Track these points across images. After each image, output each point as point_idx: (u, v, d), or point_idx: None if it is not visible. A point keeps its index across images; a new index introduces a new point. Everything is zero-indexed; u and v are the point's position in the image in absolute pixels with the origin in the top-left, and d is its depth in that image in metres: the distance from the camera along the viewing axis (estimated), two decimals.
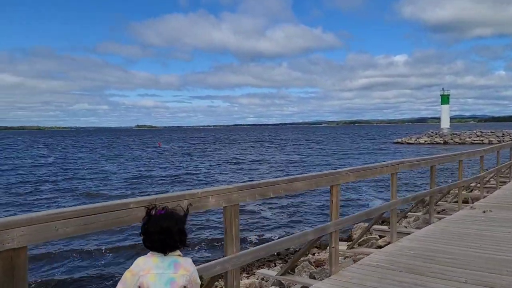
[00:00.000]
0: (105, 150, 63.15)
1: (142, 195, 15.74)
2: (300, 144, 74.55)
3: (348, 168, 5.14)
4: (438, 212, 10.39)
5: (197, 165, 36.29)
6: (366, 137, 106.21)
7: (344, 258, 6.54)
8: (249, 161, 39.89)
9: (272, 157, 44.53)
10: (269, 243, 3.94)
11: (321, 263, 7.18)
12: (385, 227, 7.72)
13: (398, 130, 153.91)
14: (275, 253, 8.86)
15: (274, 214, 16.11)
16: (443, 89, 76.95)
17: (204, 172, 30.70)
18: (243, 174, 29.49)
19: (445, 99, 75.25)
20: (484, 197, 10.16)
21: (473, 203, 10.97)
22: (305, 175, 4.49)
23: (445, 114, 74.95)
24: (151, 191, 21.66)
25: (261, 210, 16.61)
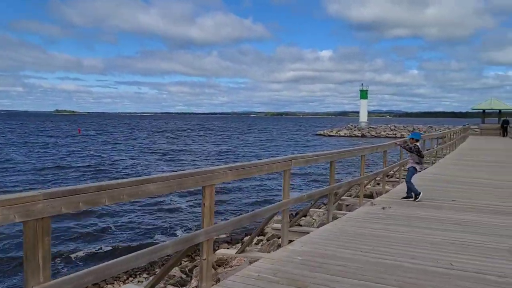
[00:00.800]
0: (13, 136, 57.36)
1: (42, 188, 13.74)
2: (230, 134, 74.02)
3: (226, 166, 4.40)
4: (347, 206, 10.26)
5: (119, 155, 34.01)
6: (292, 128, 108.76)
7: (225, 268, 5.85)
8: (175, 151, 38.32)
9: (200, 147, 43.34)
10: (100, 265, 3.03)
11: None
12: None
13: (323, 122, 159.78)
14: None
15: (137, 216, 13.70)
16: (362, 84, 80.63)
17: (124, 163, 28.72)
18: (167, 165, 28.09)
19: (363, 94, 79.01)
20: (387, 191, 10.14)
21: (377, 197, 10.98)
22: (163, 174, 3.64)
23: (364, 108, 78.76)
24: (57, 184, 19.59)
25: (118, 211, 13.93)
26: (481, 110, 45.36)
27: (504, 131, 35.44)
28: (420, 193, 8.76)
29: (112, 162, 28.73)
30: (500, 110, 43.32)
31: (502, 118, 40.08)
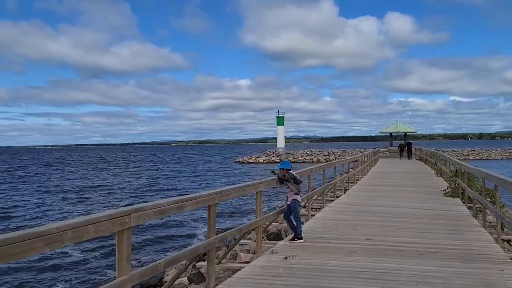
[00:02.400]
0: None
1: None
2: (149, 166, 69.51)
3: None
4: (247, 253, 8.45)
5: (19, 196, 28.99)
6: (214, 156, 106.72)
7: None
8: (87, 188, 33.74)
9: (113, 182, 39.15)
10: None
11: None
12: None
13: (243, 149, 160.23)
14: None
15: None
16: (278, 111, 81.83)
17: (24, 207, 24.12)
18: (74, 206, 24.15)
19: (280, 121, 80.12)
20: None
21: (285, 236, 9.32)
22: None
23: (281, 134, 79.73)
24: None
25: None
26: (389, 134, 47.56)
27: (408, 153, 37.01)
28: (301, 236, 7.39)
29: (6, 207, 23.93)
30: (405, 133, 45.67)
31: (403, 141, 42.15)
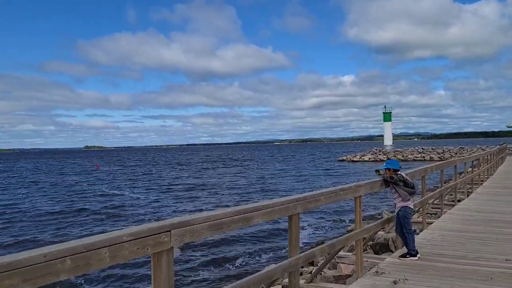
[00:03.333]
0: (30, 174, 56.53)
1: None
2: (253, 164, 70.99)
3: None
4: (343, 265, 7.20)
5: (137, 193, 31.40)
6: (318, 155, 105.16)
7: None
8: (193, 186, 35.30)
9: (221, 180, 40.49)
10: None
11: None
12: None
13: (348, 147, 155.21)
14: None
15: None
16: (385, 107, 77.42)
17: (138, 203, 25.98)
18: (188, 203, 25.29)
19: (387, 117, 75.57)
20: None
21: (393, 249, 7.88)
22: None
23: (388, 131, 75.18)
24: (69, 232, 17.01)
25: None
26: None
27: None
28: (415, 252, 5.91)
29: (122, 204, 25.82)
30: None
31: None
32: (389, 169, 6.01)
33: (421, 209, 8.16)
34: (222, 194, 28.93)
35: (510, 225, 7.96)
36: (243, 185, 35.07)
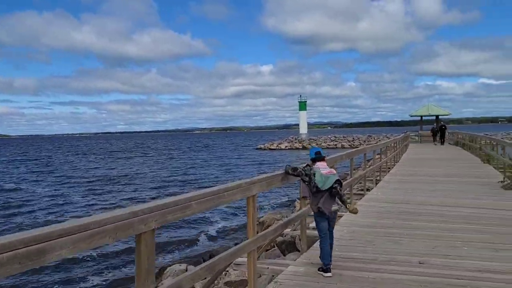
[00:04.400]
0: None
1: None
2: (174, 153, 67.92)
3: None
4: None
5: (38, 186, 27.48)
6: (239, 143, 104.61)
7: None
8: (105, 178, 31.92)
9: (140, 171, 37.39)
10: None
11: None
12: None
13: (267, 136, 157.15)
14: None
15: None
16: (300, 96, 78.71)
17: (39, 199, 22.59)
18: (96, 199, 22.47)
19: (302, 106, 76.99)
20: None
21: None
22: None
23: (303, 120, 76.69)
24: None
25: None
26: (419, 117, 44.06)
27: (441, 138, 33.41)
28: (328, 267, 4.77)
29: (18, 201, 22.29)
30: (437, 116, 42.13)
31: (435, 124, 38.40)
32: (314, 159, 4.96)
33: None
34: (136, 187, 26.63)
35: (418, 218, 7.49)
36: (163, 176, 32.86)
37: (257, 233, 4.26)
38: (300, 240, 7.52)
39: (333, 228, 4.93)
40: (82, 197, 22.99)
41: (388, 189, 10.94)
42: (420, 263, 5.03)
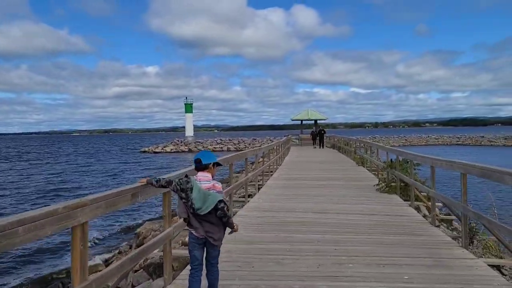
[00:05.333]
0: None
1: None
2: (48, 159, 59.89)
3: None
4: None
5: None
6: (123, 146, 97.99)
7: None
8: None
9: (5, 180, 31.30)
10: None
11: None
12: None
13: (152, 139, 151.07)
14: None
15: None
16: (186, 98, 77.23)
17: None
18: None
19: (188, 108, 75.55)
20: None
21: None
22: None
23: (189, 122, 75.24)
24: None
25: None
26: (299, 121, 46.05)
27: (320, 141, 35.14)
28: None
29: None
30: (315, 120, 44.46)
31: (314, 128, 40.51)
32: (205, 165, 3.76)
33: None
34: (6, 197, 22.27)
35: (301, 228, 6.87)
36: (37, 185, 28.22)
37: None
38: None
39: (214, 259, 3.81)
40: None
41: (271, 195, 10.34)
42: None
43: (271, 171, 15.38)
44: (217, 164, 3.80)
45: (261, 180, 12.72)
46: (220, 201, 3.55)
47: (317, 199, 9.58)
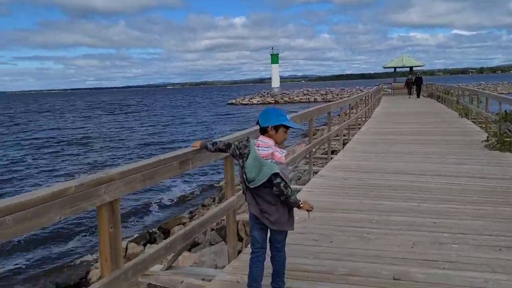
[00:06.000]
0: None
1: None
2: (145, 111, 64.19)
3: None
4: None
5: None
6: (215, 98, 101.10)
7: None
8: (72, 140, 29.12)
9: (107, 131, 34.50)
10: None
11: None
12: None
13: (240, 90, 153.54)
14: None
15: None
16: (272, 48, 76.00)
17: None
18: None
19: (274, 59, 74.59)
20: None
21: None
22: None
23: (275, 73, 74.59)
24: None
25: None
26: (392, 69, 42.57)
27: (417, 90, 31.89)
28: None
29: None
30: (411, 67, 40.69)
31: (410, 76, 36.87)
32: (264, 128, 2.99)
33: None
34: (110, 150, 24.24)
35: (392, 194, 5.89)
36: (136, 136, 30.34)
37: None
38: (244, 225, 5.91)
39: (280, 243, 3.10)
40: (46, 161, 20.81)
41: (357, 152, 9.33)
42: (394, 279, 3.42)
43: (359, 124, 14.16)
44: (284, 126, 2.98)
45: (347, 134, 11.68)
46: (276, 175, 2.79)
47: (412, 158, 8.37)
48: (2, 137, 32.01)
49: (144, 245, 8.46)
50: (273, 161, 2.87)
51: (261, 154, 2.86)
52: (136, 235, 9.42)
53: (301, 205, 2.93)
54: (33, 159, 21.40)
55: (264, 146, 2.89)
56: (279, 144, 2.96)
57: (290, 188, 2.88)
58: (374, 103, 20.57)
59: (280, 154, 2.91)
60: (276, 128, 2.95)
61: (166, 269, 3.82)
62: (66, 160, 21.14)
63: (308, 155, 7.10)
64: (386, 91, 37.61)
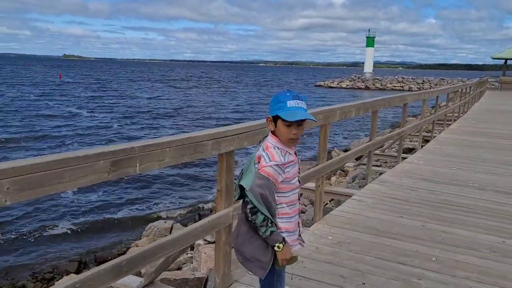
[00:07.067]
0: None
1: None
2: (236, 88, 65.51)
3: None
4: None
5: (88, 115, 26.30)
6: (306, 79, 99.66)
7: None
8: (167, 111, 30.41)
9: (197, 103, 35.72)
10: None
11: None
12: None
13: (332, 73, 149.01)
14: None
15: None
16: (369, 31, 71.67)
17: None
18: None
19: (370, 42, 70.42)
20: None
21: None
22: None
23: (369, 57, 70.55)
24: None
25: None
26: (503, 60, 37.38)
27: None
28: None
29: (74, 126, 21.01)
30: None
31: None
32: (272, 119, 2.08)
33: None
34: (177, 123, 24.64)
35: (470, 218, 4.46)
36: (215, 112, 30.71)
37: None
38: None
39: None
40: (119, 126, 21.74)
41: (437, 154, 7.72)
42: None
43: (449, 121, 12.16)
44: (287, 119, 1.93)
45: (430, 132, 9.95)
46: (244, 190, 1.93)
47: (509, 170, 6.62)
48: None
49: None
50: (256, 168, 1.90)
51: (256, 154, 1.97)
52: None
53: (276, 248, 1.91)
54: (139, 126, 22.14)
55: (265, 144, 1.99)
56: (285, 143, 1.93)
57: (263, 216, 1.87)
58: (473, 97, 17.88)
59: (265, 163, 1.90)
60: (274, 120, 1.94)
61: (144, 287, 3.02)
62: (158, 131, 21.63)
63: (368, 155, 5.80)
64: (492, 85, 33.24)
